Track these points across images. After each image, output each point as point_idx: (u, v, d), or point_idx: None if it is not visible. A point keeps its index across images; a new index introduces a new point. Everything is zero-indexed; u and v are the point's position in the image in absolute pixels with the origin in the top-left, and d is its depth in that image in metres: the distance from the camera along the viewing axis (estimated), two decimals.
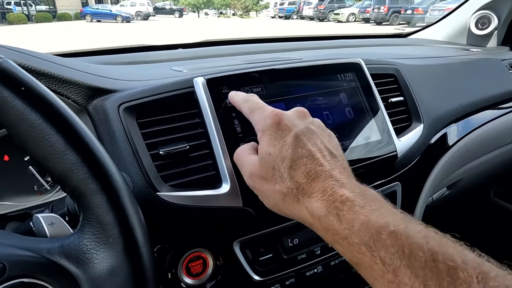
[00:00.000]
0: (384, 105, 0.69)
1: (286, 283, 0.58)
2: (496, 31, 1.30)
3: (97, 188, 0.27)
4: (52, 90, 0.50)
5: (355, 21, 19.08)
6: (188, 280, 0.53)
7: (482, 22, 1.30)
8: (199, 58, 0.96)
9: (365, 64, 0.70)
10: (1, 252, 0.26)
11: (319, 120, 0.47)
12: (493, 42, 1.33)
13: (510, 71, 1.11)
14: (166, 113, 0.54)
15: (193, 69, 0.73)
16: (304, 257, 0.60)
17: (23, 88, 0.26)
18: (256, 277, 0.56)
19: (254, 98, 0.48)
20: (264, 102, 0.58)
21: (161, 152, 0.51)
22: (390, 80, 0.76)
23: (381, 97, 0.70)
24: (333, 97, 0.64)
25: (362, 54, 1.03)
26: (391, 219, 0.30)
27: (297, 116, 0.44)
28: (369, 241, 0.30)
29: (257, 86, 0.58)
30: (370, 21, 17.66)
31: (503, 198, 1.40)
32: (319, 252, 0.61)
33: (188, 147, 0.53)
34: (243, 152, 0.46)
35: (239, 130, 0.54)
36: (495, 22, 1.26)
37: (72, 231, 0.34)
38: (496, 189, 1.42)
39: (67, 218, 0.39)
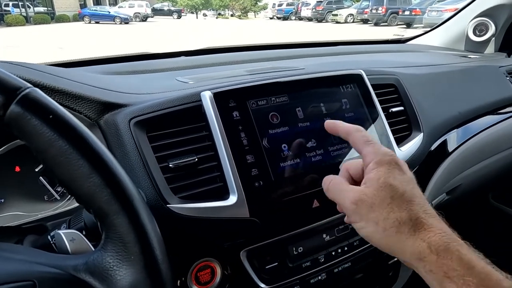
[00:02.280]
0: (384, 115, 0.71)
1: None
2: (493, 38, 1.32)
3: (120, 208, 0.29)
4: (66, 106, 0.52)
5: (353, 22, 19.12)
6: None
7: (480, 29, 1.32)
8: (202, 67, 0.98)
9: (366, 75, 0.72)
10: (31, 269, 0.28)
11: None
12: (490, 49, 1.35)
13: (508, 78, 1.13)
14: (175, 127, 0.56)
15: (198, 80, 0.75)
16: (309, 265, 0.61)
17: (51, 116, 0.28)
18: (263, 285, 0.57)
19: (365, 131, 0.49)
20: (269, 114, 0.60)
21: (170, 165, 0.53)
22: (390, 90, 0.78)
23: (381, 107, 0.72)
24: (335, 108, 0.66)
25: (363, 62, 1.05)
26: (504, 277, 0.35)
27: (405, 165, 0.46)
28: (488, 286, 0.33)
29: (262, 99, 0.60)
30: (368, 22, 17.70)
31: (502, 202, 1.42)
32: (323, 260, 0.63)
33: (196, 159, 0.55)
34: (340, 181, 0.47)
35: (245, 143, 0.56)
36: (492, 29, 1.29)
37: (92, 247, 0.35)
38: (495, 192, 1.44)
39: (84, 233, 0.40)
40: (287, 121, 0.61)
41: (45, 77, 0.50)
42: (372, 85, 0.72)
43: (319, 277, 0.63)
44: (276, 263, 0.58)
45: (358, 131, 0.48)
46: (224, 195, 0.54)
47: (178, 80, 0.77)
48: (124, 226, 0.29)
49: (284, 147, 0.59)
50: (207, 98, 0.57)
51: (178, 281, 0.54)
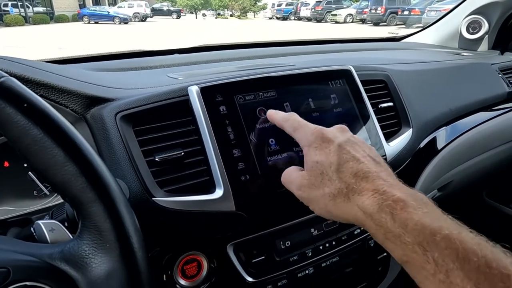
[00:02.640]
0: (374, 110, 0.71)
1: (279, 284, 0.60)
2: (486, 36, 1.32)
3: (95, 197, 0.29)
4: (51, 100, 0.52)
5: (352, 22, 19.14)
6: (183, 282, 0.55)
7: (473, 26, 1.32)
8: (195, 64, 0.98)
9: (356, 71, 0.73)
10: (5, 257, 0.28)
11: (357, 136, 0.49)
12: (484, 46, 1.36)
13: (500, 75, 1.14)
14: (162, 121, 0.56)
15: (188, 76, 0.75)
16: (296, 259, 0.62)
17: (25, 105, 0.28)
18: (249, 279, 0.58)
19: (294, 116, 0.50)
20: (256, 109, 0.60)
21: (157, 159, 0.53)
22: (380, 86, 0.79)
23: (371, 103, 0.72)
24: (324, 103, 0.67)
25: (354, 59, 1.05)
26: (444, 223, 0.33)
27: (337, 131, 0.47)
28: (422, 242, 0.31)
29: (249, 94, 0.61)
30: (367, 22, 17.72)
31: (495, 199, 1.43)
32: (310, 254, 0.63)
33: (183, 153, 0.55)
34: (290, 171, 0.49)
35: (232, 137, 0.56)
36: (485, 26, 1.29)
37: (71, 237, 0.35)
38: (489, 190, 1.45)
39: (66, 224, 0.40)
40: None
41: (28, 70, 0.51)
42: (361, 81, 0.72)
43: (307, 271, 0.63)
44: (263, 257, 0.59)
45: (288, 120, 0.49)
46: (211, 189, 0.55)
47: (168, 76, 0.77)
48: (99, 214, 0.29)
49: (271, 141, 0.59)
50: (194, 93, 0.57)
51: (164, 275, 0.55)
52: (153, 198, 0.51)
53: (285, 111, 0.63)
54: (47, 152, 0.28)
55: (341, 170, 0.40)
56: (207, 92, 0.57)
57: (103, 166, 0.30)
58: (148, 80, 0.72)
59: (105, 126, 0.53)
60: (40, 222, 0.35)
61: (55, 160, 0.28)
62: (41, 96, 0.51)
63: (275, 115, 0.53)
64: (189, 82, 0.61)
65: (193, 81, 0.62)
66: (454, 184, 1.05)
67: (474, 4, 1.30)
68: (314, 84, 0.67)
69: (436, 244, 0.31)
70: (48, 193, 0.65)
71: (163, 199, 0.52)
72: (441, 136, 0.89)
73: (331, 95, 0.68)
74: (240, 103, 0.59)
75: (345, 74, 0.71)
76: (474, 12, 1.31)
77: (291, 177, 0.48)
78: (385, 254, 0.75)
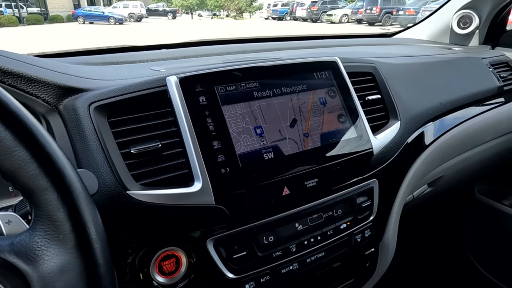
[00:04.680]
0: (361, 102, 0.70)
1: (261, 280, 0.58)
2: (477, 30, 1.31)
3: (48, 184, 0.27)
4: (21, 90, 0.50)
5: (347, 22, 19.17)
6: (161, 279, 0.53)
7: (464, 21, 1.31)
8: (182, 58, 0.96)
9: (342, 63, 0.71)
10: None
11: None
12: (475, 41, 1.35)
13: (490, 70, 1.13)
14: (139, 112, 0.54)
15: (170, 68, 0.73)
16: (280, 255, 0.60)
17: None
18: (230, 275, 0.56)
19: None
20: (237, 101, 0.58)
21: (132, 151, 0.51)
22: (368, 78, 0.77)
23: (358, 95, 0.70)
24: (308, 95, 0.65)
25: (343, 53, 1.03)
26: None
27: None
28: None
29: (231, 85, 0.59)
30: (363, 22, 17.76)
31: (487, 195, 1.42)
32: (294, 249, 0.61)
33: (160, 145, 0.53)
34: None
35: (212, 129, 0.55)
36: (476, 21, 1.28)
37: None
38: (480, 186, 1.44)
39: (30, 218, 0.38)
40: (255, 109, 0.59)
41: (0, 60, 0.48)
42: (348, 73, 0.71)
43: (291, 267, 0.61)
44: (245, 253, 0.57)
45: None
46: (189, 182, 0.53)
47: (151, 69, 0.75)
48: (52, 203, 0.27)
49: (254, 133, 0.58)
50: (172, 83, 0.55)
51: (141, 274, 0.52)
52: (127, 192, 0.49)
53: (269, 103, 0.61)
54: None
55: None
56: (186, 83, 0.56)
57: (58, 151, 0.28)
58: (128, 73, 0.70)
59: (78, 117, 0.51)
60: None
61: (2, 145, 0.26)
62: (9, 85, 0.49)
63: None
64: (168, 73, 0.59)
65: (173, 72, 0.60)
66: (445, 179, 1.03)
67: None
68: (299, 76, 0.66)
69: None
70: None
71: (138, 193, 0.49)
72: (431, 130, 0.88)
73: (316, 86, 0.66)
74: (221, 94, 0.57)
75: (331, 66, 0.69)
76: (464, 7, 1.30)
77: None
78: (372, 249, 0.74)
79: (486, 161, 1.16)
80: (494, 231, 1.40)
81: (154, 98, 0.56)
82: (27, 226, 0.33)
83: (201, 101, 0.56)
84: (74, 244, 0.28)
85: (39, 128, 0.28)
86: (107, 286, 0.28)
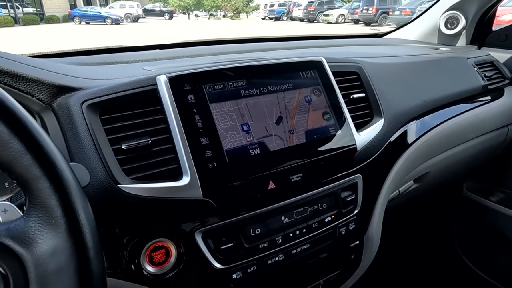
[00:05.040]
0: (345, 101, 0.73)
1: (248, 270, 0.61)
2: (464, 31, 1.34)
3: (41, 174, 0.30)
4: (16, 88, 0.52)
5: (344, 22, 19.23)
6: (151, 269, 0.55)
7: (451, 22, 1.35)
8: (176, 58, 0.98)
9: (328, 62, 0.74)
10: None
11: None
12: (462, 41, 1.38)
13: (475, 69, 1.16)
14: (130, 110, 0.57)
15: (162, 68, 0.75)
16: (266, 246, 0.62)
17: None
18: (218, 265, 0.58)
19: None
20: (225, 99, 0.61)
21: (123, 147, 0.54)
22: (353, 78, 0.80)
23: (343, 94, 0.73)
24: (294, 94, 0.68)
25: (331, 53, 1.06)
26: None
27: None
28: None
29: (219, 84, 0.61)
30: (359, 22, 17.82)
31: (475, 192, 1.45)
32: (280, 241, 0.64)
33: (150, 141, 0.55)
34: None
35: (200, 126, 0.57)
36: (463, 22, 1.31)
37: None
38: (468, 183, 1.47)
39: (25, 208, 0.41)
40: (241, 108, 0.62)
41: None
42: (334, 72, 0.74)
43: (277, 258, 0.64)
44: (232, 244, 0.59)
45: None
46: (178, 177, 0.55)
47: (143, 69, 0.77)
48: (45, 191, 0.30)
49: (240, 130, 0.60)
50: (162, 82, 0.58)
51: (132, 265, 0.55)
52: (118, 185, 0.51)
53: (256, 101, 0.64)
54: None
55: None
56: (175, 82, 0.58)
57: (50, 143, 0.31)
58: (121, 72, 0.72)
59: (71, 115, 0.53)
60: None
61: None
62: (5, 84, 0.51)
63: None
64: (159, 73, 0.61)
65: (164, 72, 0.62)
66: (431, 175, 1.07)
67: (451, 0, 1.32)
68: (285, 75, 0.68)
69: None
70: None
71: (129, 186, 0.52)
72: (415, 127, 0.91)
73: (302, 85, 0.69)
74: (209, 93, 0.60)
75: (316, 65, 0.72)
76: (451, 8, 1.33)
77: None
78: (357, 242, 0.77)
79: (470, 158, 1.19)
80: (481, 227, 1.44)
81: (144, 96, 0.58)
82: (22, 214, 0.35)
83: (189, 99, 0.58)
84: (65, 229, 0.30)
85: (33, 123, 0.30)
86: (95, 267, 0.31)
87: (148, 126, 0.57)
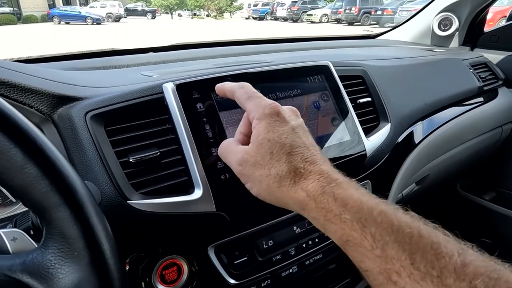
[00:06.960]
0: (352, 106, 0.71)
1: (262, 284, 0.59)
2: (457, 32, 1.36)
3: (60, 201, 0.27)
4: (13, 99, 0.48)
5: (327, 21, 19.44)
6: None
7: (444, 23, 1.36)
8: (170, 62, 0.95)
9: (333, 66, 0.72)
10: None
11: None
12: (455, 43, 1.40)
13: (471, 70, 1.17)
14: (136, 120, 0.54)
15: (163, 73, 0.72)
16: (279, 258, 0.60)
17: None
18: (232, 281, 0.56)
19: (249, 86, 0.48)
20: (234, 107, 0.58)
21: (131, 160, 0.51)
22: (358, 82, 0.79)
23: (349, 98, 0.72)
24: (303, 99, 0.66)
25: (332, 55, 1.05)
26: (380, 201, 0.34)
27: (291, 113, 0.46)
28: (361, 218, 0.32)
29: None
30: (342, 22, 18.05)
31: (468, 191, 1.47)
32: (293, 253, 0.62)
33: (159, 153, 0.52)
34: (230, 143, 0.47)
35: (210, 135, 0.55)
36: (456, 23, 1.33)
37: (36, 246, 0.33)
38: (462, 182, 1.49)
39: (32, 232, 0.37)
40: None
41: None
42: (339, 76, 0.72)
43: (290, 270, 0.62)
44: (246, 258, 0.57)
45: (241, 87, 0.47)
46: (189, 190, 0.52)
47: (142, 74, 0.74)
48: (65, 220, 0.27)
49: None
50: (169, 90, 0.55)
51: (143, 283, 0.52)
52: (128, 201, 0.48)
53: None
54: (3, 153, 0.25)
55: (292, 154, 0.39)
56: (183, 89, 0.55)
57: (68, 167, 0.28)
58: (120, 78, 0.69)
59: (74, 127, 0.50)
60: (0, 231, 0.32)
61: (13, 162, 0.25)
62: (1, 95, 0.47)
63: (226, 84, 0.50)
64: (164, 80, 0.59)
65: (168, 79, 0.59)
66: (431, 177, 1.07)
67: (444, 2, 1.33)
68: (292, 80, 0.66)
69: (374, 219, 0.32)
70: (14, 200, 0.60)
71: (139, 202, 0.49)
72: (418, 130, 0.91)
73: (310, 90, 0.67)
74: (218, 100, 0.57)
75: (323, 70, 0.71)
76: (445, 10, 1.34)
77: (231, 149, 0.45)
78: None
79: (467, 158, 1.20)
80: (475, 225, 1.46)
81: (150, 105, 0.55)
82: (34, 243, 0.32)
83: (198, 107, 0.55)
84: (89, 261, 0.27)
85: (49, 145, 0.27)
86: None
87: (155, 136, 0.54)
